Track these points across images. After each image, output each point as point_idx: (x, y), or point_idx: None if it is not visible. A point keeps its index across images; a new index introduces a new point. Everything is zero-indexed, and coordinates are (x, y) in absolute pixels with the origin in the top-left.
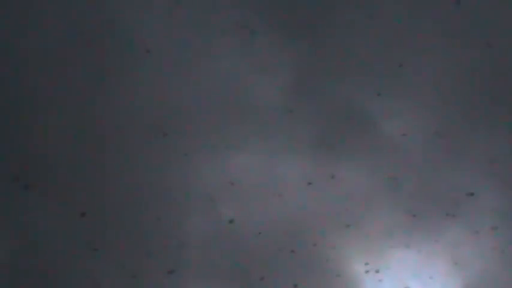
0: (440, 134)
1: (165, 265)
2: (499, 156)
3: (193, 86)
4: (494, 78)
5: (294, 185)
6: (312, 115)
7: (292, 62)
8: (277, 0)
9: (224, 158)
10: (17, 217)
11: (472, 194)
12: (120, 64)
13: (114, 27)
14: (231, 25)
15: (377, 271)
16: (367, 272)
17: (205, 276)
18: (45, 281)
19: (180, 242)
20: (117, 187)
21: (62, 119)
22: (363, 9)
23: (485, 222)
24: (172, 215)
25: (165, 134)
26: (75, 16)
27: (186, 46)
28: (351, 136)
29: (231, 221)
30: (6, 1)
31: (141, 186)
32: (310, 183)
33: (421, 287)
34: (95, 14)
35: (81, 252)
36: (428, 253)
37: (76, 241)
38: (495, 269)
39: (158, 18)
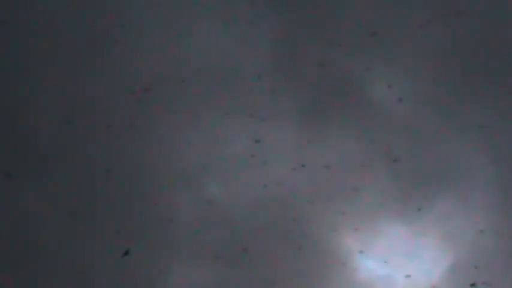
0: (431, 101)
1: (150, 243)
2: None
3: (176, 59)
4: (483, 46)
5: (281, 157)
6: (300, 84)
7: (277, 31)
8: None
9: (209, 132)
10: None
11: (464, 165)
12: (106, 42)
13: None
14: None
15: (364, 245)
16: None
17: (189, 254)
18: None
19: (166, 220)
20: (102, 168)
21: (50, 101)
22: None
23: (477, 195)
24: (156, 192)
25: (148, 108)
26: None
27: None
28: (339, 104)
29: (213, 199)
30: None
31: (126, 163)
32: (299, 155)
33: (411, 261)
34: None
35: (67, 233)
36: (419, 226)
37: (61, 222)
38: (486, 243)
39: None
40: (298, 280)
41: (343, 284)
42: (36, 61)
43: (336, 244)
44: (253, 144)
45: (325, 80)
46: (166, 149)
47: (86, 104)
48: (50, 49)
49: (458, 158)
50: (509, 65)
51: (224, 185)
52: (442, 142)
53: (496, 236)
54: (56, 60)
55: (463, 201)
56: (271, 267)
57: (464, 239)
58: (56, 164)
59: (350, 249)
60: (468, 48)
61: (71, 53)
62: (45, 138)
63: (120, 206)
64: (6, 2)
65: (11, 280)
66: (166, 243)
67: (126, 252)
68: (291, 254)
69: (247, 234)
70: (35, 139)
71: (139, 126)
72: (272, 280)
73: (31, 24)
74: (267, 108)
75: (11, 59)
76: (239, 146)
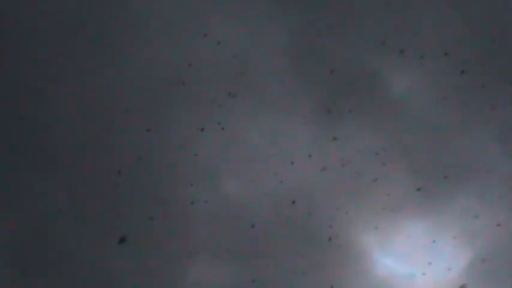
0: (447, 98)
1: (167, 242)
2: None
3: (193, 56)
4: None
5: (298, 152)
6: (316, 81)
7: (291, 24)
8: None
9: (226, 129)
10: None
11: (482, 159)
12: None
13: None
14: None
15: (383, 242)
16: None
17: (207, 252)
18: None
19: (183, 217)
20: (119, 165)
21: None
22: None
23: (494, 192)
24: (174, 188)
25: (167, 105)
26: None
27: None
28: (356, 100)
29: (230, 195)
30: None
31: (143, 160)
32: (310, 155)
33: (429, 258)
34: None
35: (83, 232)
36: (436, 223)
37: (77, 221)
38: (504, 240)
39: None
40: (316, 276)
41: (362, 280)
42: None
43: (355, 240)
44: (271, 141)
45: (341, 77)
46: (184, 145)
47: (105, 98)
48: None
49: (476, 153)
50: None
51: (241, 181)
52: (460, 136)
53: None
54: (76, 53)
55: (482, 196)
56: (289, 263)
57: (484, 234)
58: (72, 160)
59: (369, 245)
60: (486, 39)
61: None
62: (63, 133)
63: (136, 203)
64: None
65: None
66: (184, 242)
67: (122, 240)
68: (308, 250)
69: (264, 230)
70: (51, 135)
71: (157, 122)
72: (289, 276)
73: (45, 17)
74: (284, 106)
75: (27, 53)
76: (256, 142)
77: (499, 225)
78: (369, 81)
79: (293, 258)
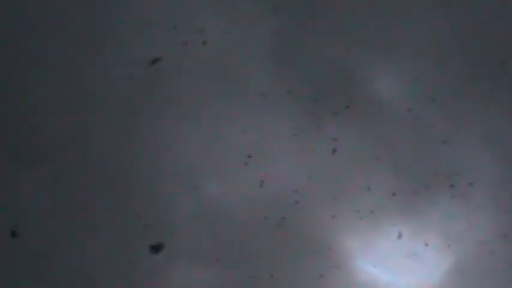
0: (435, 100)
1: (147, 242)
2: (496, 130)
3: (177, 53)
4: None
5: (281, 154)
6: (301, 80)
7: (277, 23)
8: None
9: (208, 128)
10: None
11: (466, 164)
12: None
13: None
14: None
15: (364, 246)
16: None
17: (189, 255)
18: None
19: (164, 217)
20: (104, 159)
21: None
22: None
23: (481, 196)
24: (154, 189)
25: (149, 101)
26: None
27: None
28: (343, 101)
29: (211, 197)
30: None
31: (125, 156)
32: (299, 153)
33: (411, 262)
34: None
35: (66, 231)
36: (420, 227)
37: (59, 219)
38: (489, 245)
39: None
40: (297, 281)
41: (342, 285)
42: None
43: (336, 244)
44: (253, 141)
45: (327, 76)
46: (165, 144)
47: (85, 96)
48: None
49: (461, 157)
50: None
51: (222, 182)
52: (445, 140)
53: (499, 239)
54: (57, 50)
55: (465, 202)
56: (271, 267)
57: (467, 241)
58: (52, 158)
59: (350, 249)
60: (474, 46)
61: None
62: (45, 130)
63: (115, 203)
64: None
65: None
66: (165, 243)
67: (156, 248)
68: (290, 254)
69: (246, 233)
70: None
71: (138, 120)
72: (271, 280)
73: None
74: (267, 105)
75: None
76: (238, 143)
77: (484, 235)
78: (353, 82)
79: (274, 262)
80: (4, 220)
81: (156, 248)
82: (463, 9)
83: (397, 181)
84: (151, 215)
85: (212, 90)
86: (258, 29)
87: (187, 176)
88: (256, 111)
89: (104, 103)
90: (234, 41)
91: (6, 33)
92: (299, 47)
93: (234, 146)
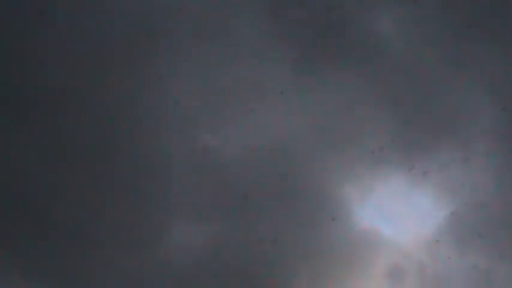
0: (438, 44)
1: (147, 198)
2: (498, 75)
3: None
4: None
5: (278, 103)
6: (298, 27)
7: None
8: None
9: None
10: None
11: (465, 111)
12: None
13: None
14: None
15: (364, 194)
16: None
17: (187, 208)
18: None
19: (162, 172)
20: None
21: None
22: None
23: (479, 143)
24: (151, 140)
25: (141, 56)
26: None
27: None
28: (340, 46)
29: (208, 148)
30: None
31: (118, 110)
32: (296, 102)
33: (410, 209)
34: None
35: (62, 185)
36: (419, 174)
37: (56, 172)
38: (487, 193)
39: None
40: (296, 230)
41: (342, 233)
42: None
43: (336, 192)
44: (250, 91)
45: (323, 22)
46: (162, 97)
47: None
48: None
49: (460, 103)
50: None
51: (219, 133)
52: (445, 86)
53: (496, 185)
54: None
55: (464, 150)
56: (269, 218)
57: (464, 188)
58: (53, 109)
59: (349, 198)
60: None
61: None
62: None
63: (115, 158)
64: None
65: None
66: (164, 198)
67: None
68: (288, 204)
69: (243, 185)
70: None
71: (134, 74)
72: (270, 231)
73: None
74: (264, 54)
75: None
76: (236, 93)
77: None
78: (356, 28)
79: (275, 214)
80: None
81: None
82: None
83: (397, 127)
84: (152, 169)
85: (210, 42)
86: None
87: (187, 128)
88: (254, 61)
89: (102, 59)
90: None
91: None
92: None
93: (233, 98)
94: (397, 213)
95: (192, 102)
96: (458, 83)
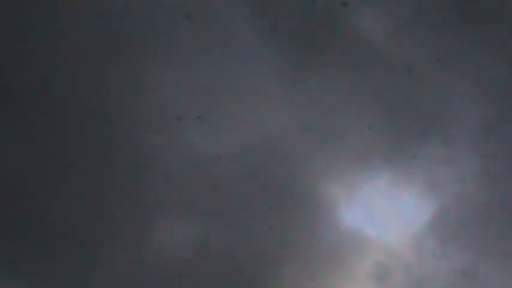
0: (426, 41)
1: (131, 196)
2: (484, 72)
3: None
4: None
5: (265, 99)
6: (286, 23)
7: None
8: None
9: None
10: None
11: (450, 108)
12: None
13: None
14: None
15: (349, 192)
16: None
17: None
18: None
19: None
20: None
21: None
22: None
23: (464, 142)
24: (136, 137)
25: (134, 51)
26: None
27: None
28: (327, 40)
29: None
30: None
31: (102, 108)
32: (283, 98)
33: (394, 208)
34: None
35: (51, 185)
36: (403, 172)
37: (45, 172)
38: (471, 191)
39: None
40: (281, 229)
41: (327, 232)
42: None
43: (321, 191)
44: (237, 90)
45: (311, 15)
46: (147, 95)
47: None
48: None
49: (445, 101)
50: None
51: (205, 132)
52: (432, 84)
53: (479, 183)
54: None
55: (448, 148)
56: (254, 217)
57: (448, 187)
58: (40, 107)
59: (335, 196)
60: None
61: None
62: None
63: (98, 155)
64: None
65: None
66: (148, 197)
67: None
68: (274, 204)
69: (228, 183)
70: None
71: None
72: (255, 230)
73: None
74: (253, 52)
75: None
76: (223, 91)
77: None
78: (342, 22)
79: (260, 214)
80: None
81: None
82: None
83: (383, 125)
84: (137, 167)
85: (199, 37)
86: None
87: (171, 125)
88: (240, 53)
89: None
90: None
91: None
92: None
93: (217, 94)
94: (382, 211)
95: (178, 99)
96: (444, 80)
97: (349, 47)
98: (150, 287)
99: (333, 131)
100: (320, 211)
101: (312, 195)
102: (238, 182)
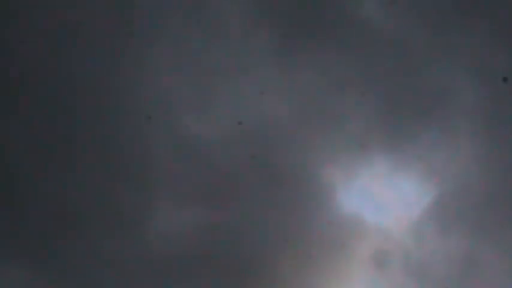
0: (424, 26)
1: (131, 183)
2: (480, 52)
3: None
4: None
5: (257, 83)
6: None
7: None
8: None
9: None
10: None
11: (448, 92)
12: None
13: None
14: None
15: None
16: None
17: (170, 193)
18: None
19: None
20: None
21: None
22: None
23: (463, 125)
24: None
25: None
26: None
27: None
28: (321, 22)
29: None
30: None
31: (99, 95)
32: (276, 83)
33: (394, 194)
34: None
35: (49, 166)
36: (403, 157)
37: (43, 153)
38: (471, 176)
39: None
40: (279, 215)
41: (325, 218)
42: None
43: (319, 176)
44: (233, 72)
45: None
46: (142, 80)
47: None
48: None
49: (445, 87)
50: None
51: (201, 116)
52: (430, 69)
53: (478, 169)
54: None
55: (447, 134)
56: (251, 202)
57: (447, 173)
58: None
59: (333, 182)
60: None
61: None
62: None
63: (97, 143)
64: None
65: None
66: (147, 183)
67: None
68: (272, 189)
69: (225, 169)
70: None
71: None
72: (252, 216)
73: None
74: (248, 35)
75: None
76: (218, 74)
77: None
78: (336, 7)
79: (258, 199)
80: None
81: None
82: None
83: (381, 110)
84: (134, 152)
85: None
86: None
87: (168, 111)
88: (236, 41)
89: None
90: None
91: None
92: None
93: (217, 80)
94: (381, 197)
95: (174, 83)
96: (443, 66)
97: (350, 33)
98: (151, 272)
99: (333, 117)
100: (318, 196)
101: (310, 180)
102: (235, 167)
